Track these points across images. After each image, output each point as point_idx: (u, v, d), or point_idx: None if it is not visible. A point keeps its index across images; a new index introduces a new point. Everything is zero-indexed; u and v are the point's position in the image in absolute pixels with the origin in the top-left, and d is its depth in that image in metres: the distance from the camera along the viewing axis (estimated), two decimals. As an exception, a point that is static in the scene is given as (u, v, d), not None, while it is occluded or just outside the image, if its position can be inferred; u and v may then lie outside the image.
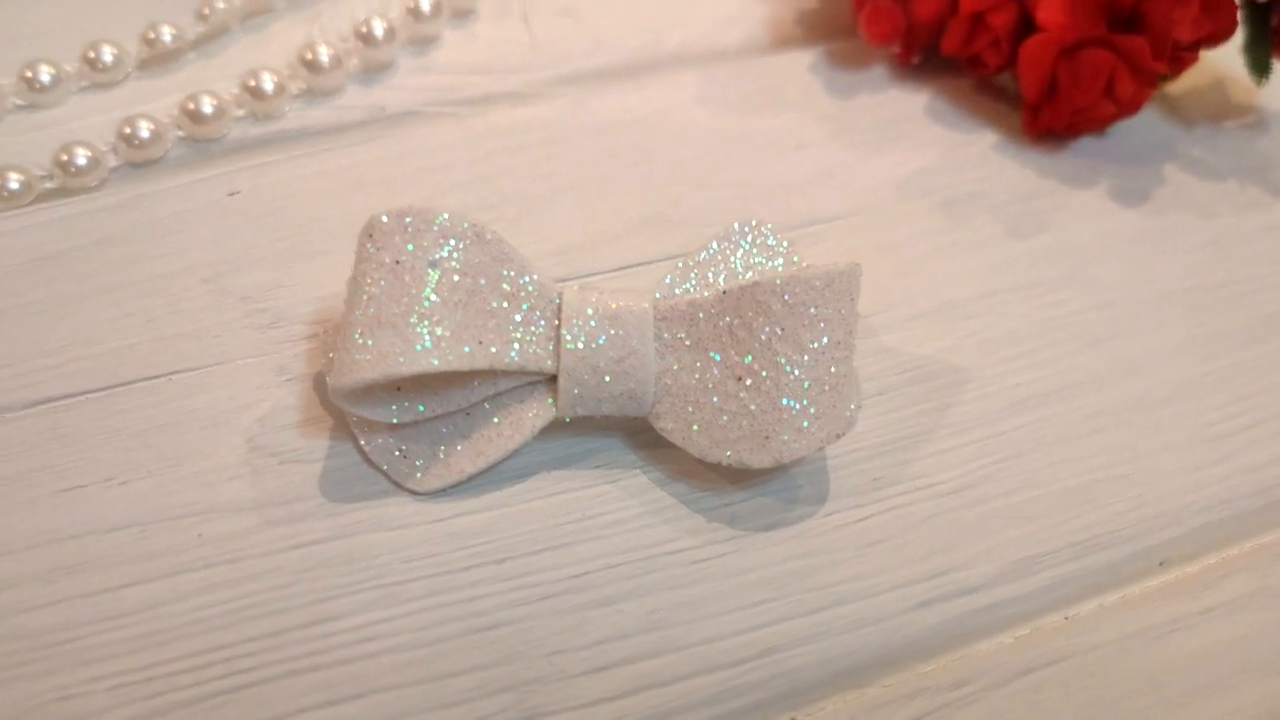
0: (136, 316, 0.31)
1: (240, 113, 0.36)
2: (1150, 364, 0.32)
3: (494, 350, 0.27)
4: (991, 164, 0.37)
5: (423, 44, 0.39)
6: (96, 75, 0.36)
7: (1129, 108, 0.36)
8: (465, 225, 0.28)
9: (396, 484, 0.28)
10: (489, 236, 0.28)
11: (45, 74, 0.36)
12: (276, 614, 0.26)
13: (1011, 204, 0.36)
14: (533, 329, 0.28)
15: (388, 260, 0.27)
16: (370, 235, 0.27)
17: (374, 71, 0.38)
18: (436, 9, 0.39)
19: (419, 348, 0.26)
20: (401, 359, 0.26)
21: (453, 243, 0.28)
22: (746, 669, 0.26)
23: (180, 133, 0.35)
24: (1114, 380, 0.32)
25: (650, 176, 0.35)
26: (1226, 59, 0.40)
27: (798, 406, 0.27)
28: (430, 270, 0.27)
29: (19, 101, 0.36)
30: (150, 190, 0.34)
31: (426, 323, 0.27)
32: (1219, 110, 0.40)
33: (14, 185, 0.33)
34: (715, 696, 0.26)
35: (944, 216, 0.35)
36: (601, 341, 0.28)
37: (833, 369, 0.27)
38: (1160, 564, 0.29)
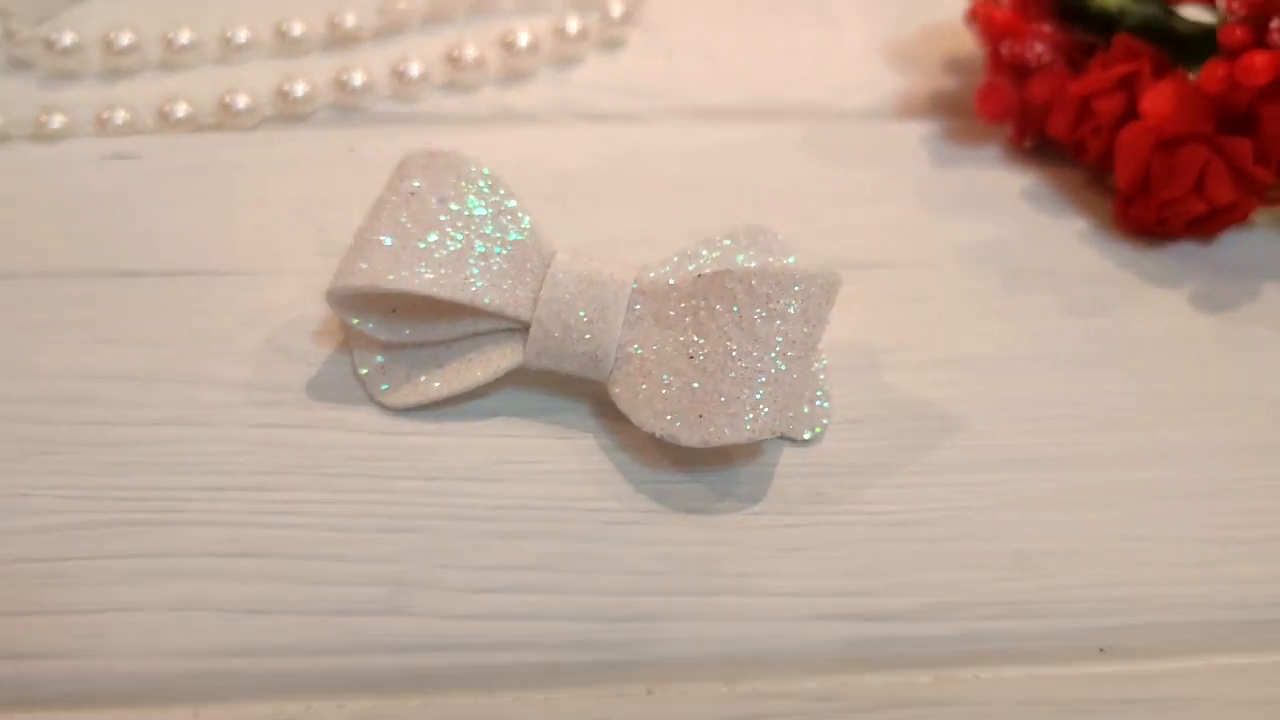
0: (226, 223, 0.35)
1: (386, 92, 0.41)
2: (1170, 459, 0.30)
3: (475, 288, 0.29)
4: (1071, 248, 0.36)
5: (566, 62, 0.42)
6: (283, 45, 0.42)
7: (1230, 214, 0.34)
8: (485, 176, 0.30)
9: (369, 395, 0.30)
10: (504, 194, 0.30)
11: (242, 36, 0.42)
12: (222, 473, 0.28)
13: (1077, 285, 0.34)
14: (520, 278, 0.30)
15: (406, 190, 0.30)
16: (401, 166, 0.30)
17: (513, 78, 0.42)
18: (583, 34, 0.42)
19: (407, 271, 0.29)
20: (391, 276, 0.29)
21: (470, 190, 0.30)
22: (615, 628, 0.26)
23: (330, 99, 0.40)
24: (1121, 464, 0.30)
25: (716, 198, 0.36)
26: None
27: (739, 394, 0.27)
28: (440, 206, 0.30)
29: (216, 55, 0.42)
30: (288, 137, 0.39)
31: (423, 250, 0.29)
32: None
33: (180, 114, 0.39)
34: (575, 643, 0.26)
35: (1000, 282, 0.34)
36: (576, 301, 0.29)
37: (784, 367, 0.28)
38: (1100, 650, 0.27)
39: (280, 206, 0.35)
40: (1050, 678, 0.26)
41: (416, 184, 0.30)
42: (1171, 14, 0.37)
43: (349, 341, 0.31)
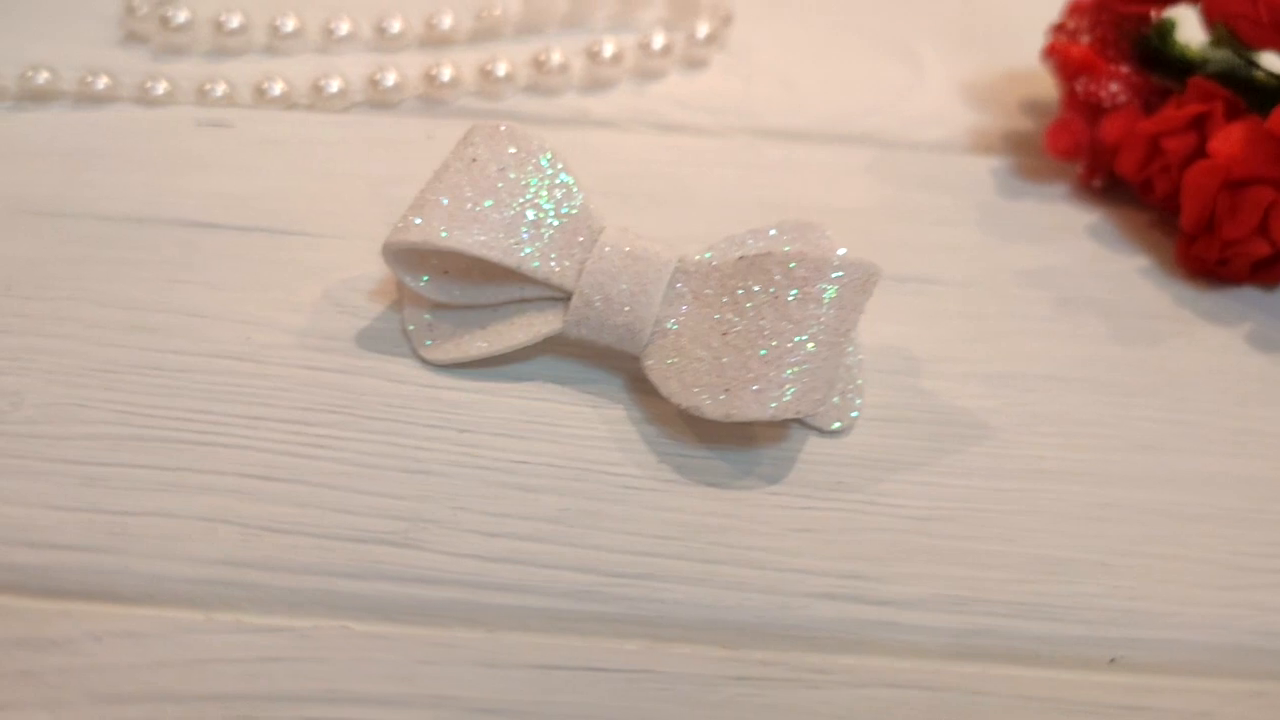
0: (301, 190, 0.36)
1: (472, 88, 0.42)
2: (1201, 483, 0.29)
3: (524, 254, 0.30)
4: (1129, 281, 0.35)
5: (648, 76, 0.44)
6: (381, 40, 0.44)
7: (1297, 259, 0.34)
8: (545, 151, 0.31)
9: (414, 349, 0.31)
10: (562, 168, 0.31)
11: (343, 29, 0.44)
12: (263, 405, 0.29)
13: (1131, 317, 0.34)
14: (568, 249, 0.30)
15: (469, 157, 0.31)
16: (467, 134, 0.32)
17: (595, 86, 0.43)
18: (666, 50, 0.43)
19: (461, 231, 0.30)
20: (444, 234, 0.30)
21: (529, 162, 0.31)
22: (621, 582, 0.26)
23: (418, 90, 0.42)
24: (1152, 484, 0.29)
25: (773, 209, 0.37)
26: None
27: (766, 373, 0.28)
28: (498, 174, 0.31)
29: (317, 44, 0.44)
30: (374, 121, 0.40)
31: (477, 213, 0.30)
32: None
33: (276, 92, 0.41)
34: (577, 593, 0.26)
35: (1053, 308, 0.34)
36: (620, 275, 0.30)
37: (814, 349, 0.28)
38: (1111, 660, 0.26)
39: (355, 180, 0.37)
40: (1053, 680, 0.26)
41: (479, 152, 0.31)
42: (1252, 63, 0.37)
43: (401, 300, 0.32)
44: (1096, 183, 0.39)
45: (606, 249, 0.30)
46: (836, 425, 0.30)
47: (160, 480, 0.27)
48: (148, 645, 0.24)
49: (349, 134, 0.39)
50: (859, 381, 0.31)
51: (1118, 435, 0.30)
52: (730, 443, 0.29)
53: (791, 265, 0.28)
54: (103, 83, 0.40)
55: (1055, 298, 0.34)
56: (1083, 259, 0.36)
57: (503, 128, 0.32)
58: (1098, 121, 0.38)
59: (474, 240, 0.30)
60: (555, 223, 0.31)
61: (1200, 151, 0.35)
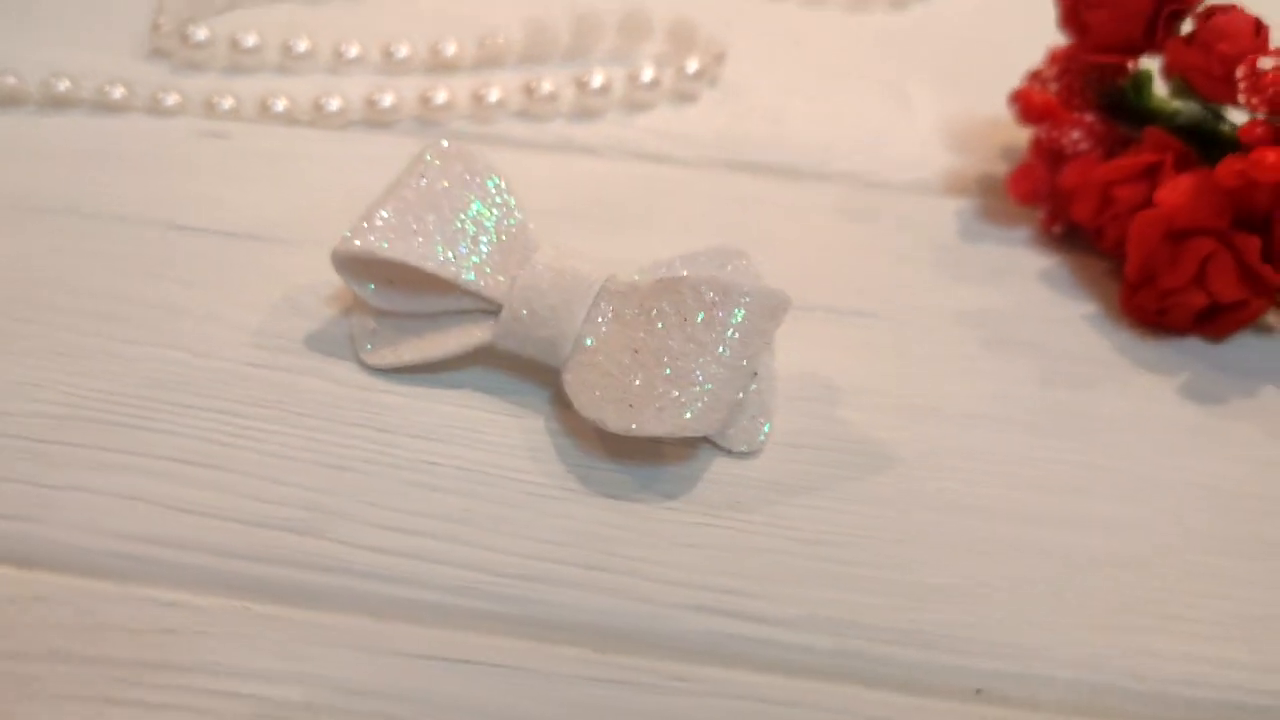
0: (283, 201, 0.38)
1: (465, 112, 0.44)
2: (1097, 527, 0.30)
3: (459, 266, 0.32)
4: (1071, 327, 0.36)
5: (637, 108, 0.45)
6: (388, 64, 0.46)
7: (1238, 313, 0.34)
8: (492, 173, 0.33)
9: (355, 353, 0.33)
10: (505, 189, 0.33)
11: (352, 52, 0.46)
12: (202, 395, 0.31)
13: (1063, 361, 0.34)
14: (503, 265, 0.32)
15: (419, 173, 0.33)
16: (421, 152, 0.33)
17: (583, 115, 0.45)
18: (654, 83, 0.45)
19: (403, 243, 0.32)
20: (385, 245, 0.31)
21: (474, 181, 0.33)
22: (506, 583, 0.28)
23: (414, 112, 0.44)
24: (1047, 524, 0.30)
25: (731, 238, 0.38)
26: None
27: (669, 391, 0.29)
28: (444, 191, 0.32)
29: (327, 65, 0.46)
30: (367, 139, 0.42)
31: (418, 227, 0.32)
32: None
33: (279, 108, 0.43)
34: (464, 589, 0.28)
35: (984, 347, 0.35)
36: (548, 291, 0.31)
37: (718, 372, 0.29)
38: (977, 691, 0.26)
39: (338, 193, 0.39)
40: (920, 707, 0.26)
41: (430, 165, 0.33)
42: (1219, 116, 0.37)
43: (351, 306, 0.34)
44: (1057, 229, 0.39)
45: (538, 266, 0.32)
46: (744, 447, 0.31)
47: (91, 459, 0.29)
48: (53, 609, 0.26)
49: (341, 150, 0.42)
50: (770, 406, 0.32)
51: (1022, 474, 0.31)
52: (639, 459, 0.30)
53: (702, 289, 0.30)
54: (119, 92, 0.43)
55: (989, 337, 0.35)
56: (1028, 302, 0.36)
57: (453, 149, 0.33)
58: (1059, 168, 0.38)
59: (413, 252, 0.31)
60: (493, 240, 0.32)
61: (1149, 201, 0.35)
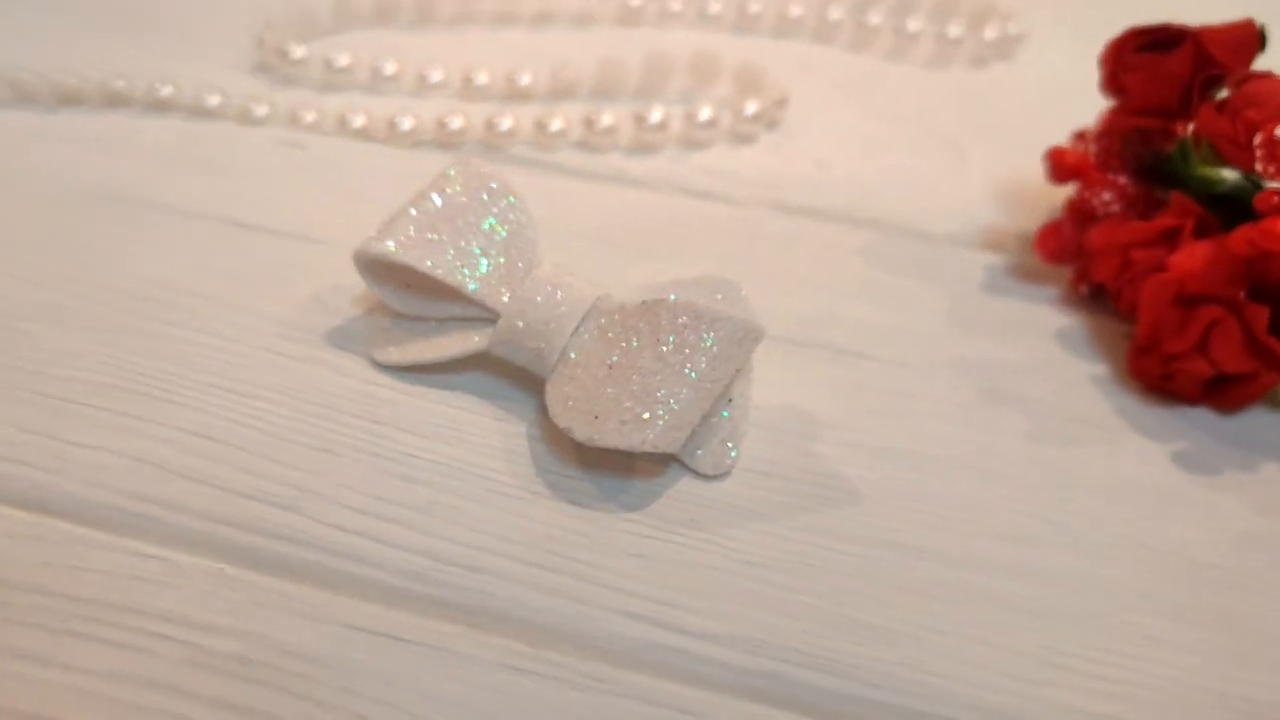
0: (337, 209, 0.41)
1: (527, 138, 0.46)
2: (1048, 580, 0.29)
3: (466, 276, 0.34)
4: (1073, 386, 0.35)
5: (694, 145, 0.47)
6: (467, 90, 0.49)
7: (1247, 385, 0.33)
8: (510, 195, 0.35)
9: (368, 350, 0.35)
10: (521, 211, 0.35)
11: (435, 77, 0.49)
12: (220, 375, 0.34)
13: (1057, 419, 0.34)
14: (506, 278, 0.34)
15: (443, 188, 0.35)
16: (448, 168, 0.36)
17: (640, 149, 0.46)
18: (711, 123, 0.46)
19: (418, 251, 0.34)
20: (397, 249, 0.34)
21: (493, 201, 0.35)
22: (452, 572, 0.29)
23: (479, 136, 0.46)
24: (997, 573, 0.30)
25: (750, 273, 0.39)
26: None
27: (635, 407, 0.30)
28: (463, 206, 0.35)
29: (411, 89, 0.49)
30: (431, 158, 0.45)
31: (433, 238, 0.34)
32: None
33: (356, 124, 0.46)
34: (413, 573, 0.29)
35: (977, 397, 0.35)
36: (543, 304, 0.33)
37: (684, 394, 0.30)
38: (885, 725, 0.27)
39: (388, 205, 0.41)
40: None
41: (452, 185, 0.35)
42: (1258, 186, 0.37)
43: (375, 308, 0.36)
44: (1084, 289, 0.39)
45: (537, 280, 0.33)
46: (711, 470, 0.32)
47: (110, 421, 0.32)
48: (44, 548, 0.29)
49: (403, 166, 0.44)
50: (742, 432, 0.32)
51: (985, 523, 0.31)
52: (609, 470, 0.32)
53: (677, 312, 0.31)
54: (214, 100, 0.46)
55: (986, 388, 0.35)
56: (1036, 358, 0.36)
57: (479, 169, 0.35)
58: (1088, 228, 0.38)
59: (426, 259, 0.33)
60: (501, 255, 0.34)
61: (1165, 265, 0.35)
